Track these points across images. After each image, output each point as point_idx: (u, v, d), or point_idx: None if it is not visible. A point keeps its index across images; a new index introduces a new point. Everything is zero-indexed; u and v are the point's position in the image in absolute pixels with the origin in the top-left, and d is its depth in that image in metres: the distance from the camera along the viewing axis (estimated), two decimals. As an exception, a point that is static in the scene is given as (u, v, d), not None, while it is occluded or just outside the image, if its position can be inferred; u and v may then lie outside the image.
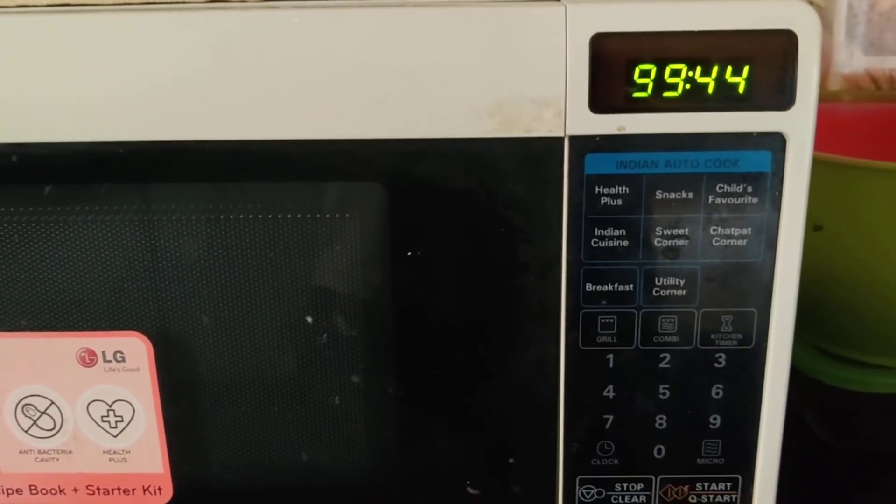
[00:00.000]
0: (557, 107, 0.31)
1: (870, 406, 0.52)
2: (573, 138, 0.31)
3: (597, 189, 0.32)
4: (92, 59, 0.31)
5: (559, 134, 0.31)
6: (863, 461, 0.52)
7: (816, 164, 0.39)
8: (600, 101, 0.31)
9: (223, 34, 0.31)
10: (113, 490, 0.36)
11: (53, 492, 0.37)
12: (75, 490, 0.36)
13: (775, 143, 0.31)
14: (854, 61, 0.65)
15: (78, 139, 0.32)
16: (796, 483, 0.49)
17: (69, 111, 0.31)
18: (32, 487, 0.37)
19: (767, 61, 0.31)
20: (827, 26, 0.64)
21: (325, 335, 0.34)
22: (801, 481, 0.50)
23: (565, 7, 0.30)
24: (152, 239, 0.33)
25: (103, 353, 0.34)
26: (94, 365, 0.35)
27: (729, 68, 0.31)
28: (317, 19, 0.31)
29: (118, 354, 0.34)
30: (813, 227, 0.49)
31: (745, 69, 0.31)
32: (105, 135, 0.32)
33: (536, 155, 0.32)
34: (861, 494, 0.50)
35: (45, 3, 0.33)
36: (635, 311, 0.33)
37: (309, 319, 0.34)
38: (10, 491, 0.37)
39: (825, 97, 0.64)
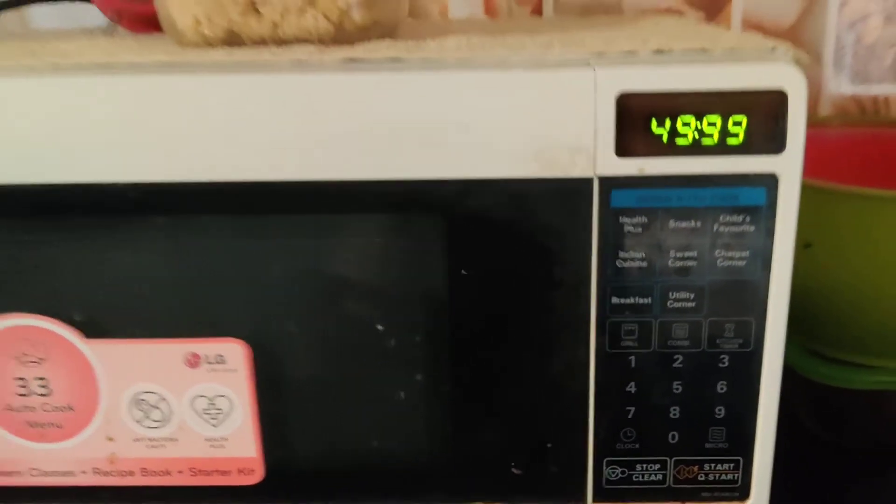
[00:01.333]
0: (589, 152, 0.38)
1: (852, 401, 0.59)
2: (602, 178, 0.38)
3: (621, 219, 0.38)
4: (197, 113, 0.38)
5: (590, 175, 0.38)
6: (847, 453, 0.59)
7: (807, 189, 0.45)
8: (624, 148, 0.38)
9: (308, 93, 0.37)
10: (212, 472, 0.43)
11: (161, 473, 0.43)
12: (180, 472, 0.43)
13: (769, 181, 0.38)
14: (842, 89, 0.71)
15: (188, 179, 0.38)
16: (789, 472, 0.56)
17: (182, 154, 0.38)
18: (144, 470, 0.43)
19: (762, 115, 0.37)
20: (817, 58, 0.70)
21: (393, 340, 0.41)
22: (792, 471, 0.56)
23: (595, 71, 0.37)
24: (254, 262, 0.40)
25: (206, 356, 0.41)
26: (198, 366, 0.41)
27: (730, 120, 0.37)
28: (390, 83, 0.37)
29: (219, 357, 0.41)
30: (803, 245, 0.55)
31: (744, 121, 0.37)
32: (211, 175, 0.38)
33: (571, 191, 0.38)
34: (845, 484, 0.57)
35: (155, 61, 0.39)
36: (653, 320, 0.40)
37: (380, 327, 0.41)
38: (124, 473, 0.43)
39: (816, 122, 0.71)
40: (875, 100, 0.71)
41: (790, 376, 0.55)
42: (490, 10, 0.69)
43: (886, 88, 0.71)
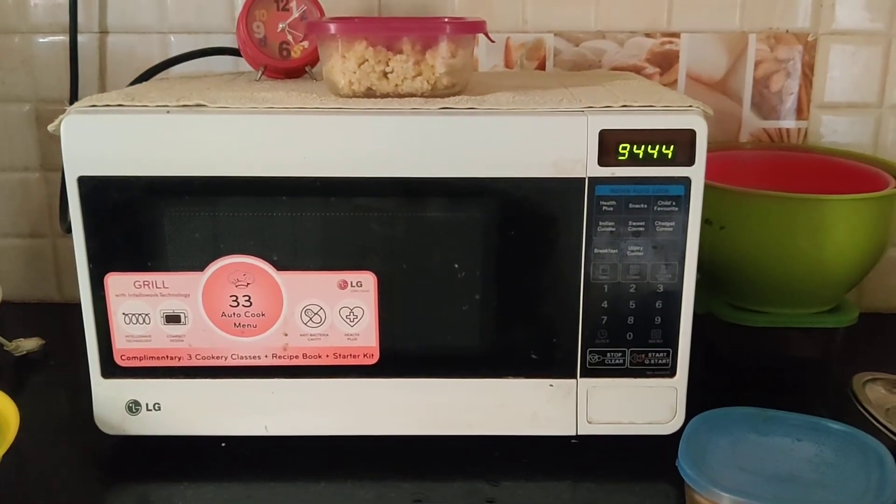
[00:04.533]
0: (583, 162, 0.65)
1: (752, 334, 0.86)
2: (590, 177, 0.65)
3: (600, 202, 0.65)
4: (355, 137, 0.64)
5: (583, 175, 0.65)
6: (745, 368, 0.87)
7: (724, 190, 0.73)
8: (602, 161, 0.64)
9: (420, 128, 0.64)
10: (347, 355, 0.69)
11: (315, 356, 0.69)
12: (328, 356, 0.69)
13: (685, 181, 0.65)
14: (756, 122, 0.99)
15: (346, 175, 0.65)
16: (706, 371, 0.82)
17: (343, 159, 0.65)
18: (305, 354, 0.69)
19: (681, 143, 0.64)
20: (739, 101, 0.98)
21: (462, 273, 0.67)
22: (707, 372, 0.83)
23: (587, 117, 0.64)
24: (381, 224, 0.66)
25: (350, 281, 0.68)
26: (346, 288, 0.68)
27: (663, 146, 0.64)
28: (470, 122, 0.64)
29: (358, 283, 0.68)
30: (720, 227, 0.82)
31: (672, 146, 0.64)
32: (362, 172, 0.65)
33: (572, 185, 0.65)
34: (738, 387, 0.83)
35: (331, 106, 0.66)
36: (618, 263, 0.67)
37: (456, 266, 0.67)
38: (292, 356, 0.69)
39: (737, 146, 0.99)
40: (779, 131, 0.99)
41: (713, 319, 0.83)
42: (509, 64, 0.97)
43: (787, 123, 0.99)
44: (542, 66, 0.95)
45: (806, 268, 0.81)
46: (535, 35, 0.95)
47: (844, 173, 0.91)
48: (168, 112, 0.64)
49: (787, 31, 0.94)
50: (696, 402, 0.70)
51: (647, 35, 0.94)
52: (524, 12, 0.94)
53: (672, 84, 0.95)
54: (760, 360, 0.87)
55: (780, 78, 0.96)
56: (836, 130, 0.97)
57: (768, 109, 0.97)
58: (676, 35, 0.94)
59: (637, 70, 0.95)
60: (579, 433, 0.70)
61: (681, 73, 0.95)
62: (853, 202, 0.79)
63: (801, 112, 0.97)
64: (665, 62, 0.95)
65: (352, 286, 0.67)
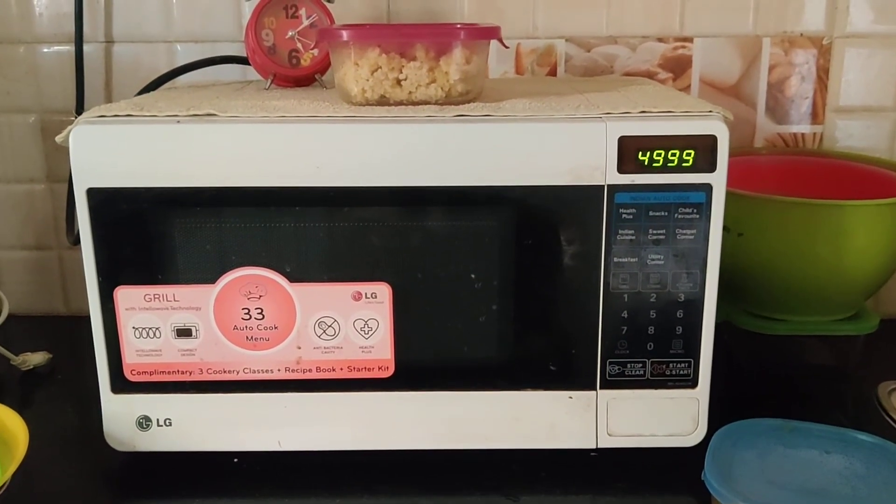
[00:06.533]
0: (602, 169, 0.63)
1: (770, 342, 0.85)
2: (609, 185, 0.64)
3: (620, 210, 0.64)
4: (369, 145, 0.63)
5: (602, 183, 0.63)
6: (765, 377, 0.85)
7: (742, 196, 0.71)
8: (622, 168, 0.63)
9: (434, 136, 0.63)
10: (362, 368, 0.68)
11: (329, 370, 0.68)
12: (342, 369, 0.68)
13: (707, 188, 0.64)
14: (770, 128, 0.98)
15: (361, 184, 0.64)
16: (726, 384, 0.81)
17: (357, 169, 0.64)
18: (318, 368, 0.68)
19: (703, 149, 0.63)
20: (753, 106, 0.97)
21: (479, 284, 0.66)
22: (728, 383, 0.82)
23: (606, 123, 0.63)
24: (397, 236, 0.65)
25: (365, 293, 0.66)
26: (360, 300, 0.67)
27: (684, 152, 0.63)
28: (486, 129, 0.63)
29: (373, 294, 0.66)
30: (738, 234, 0.81)
31: (692, 152, 0.63)
32: (374, 182, 0.64)
33: (591, 193, 0.64)
34: (758, 396, 0.82)
35: (344, 115, 0.65)
36: (638, 272, 0.66)
37: (472, 276, 0.66)
38: (306, 370, 0.68)
39: (752, 151, 0.97)
40: (794, 135, 0.98)
41: (731, 328, 0.81)
42: (519, 70, 0.95)
43: (802, 128, 0.97)
44: (553, 72, 0.94)
45: (825, 274, 0.80)
46: (546, 41, 0.94)
47: (861, 178, 0.90)
48: (178, 122, 0.63)
49: (802, 34, 0.93)
50: (716, 412, 0.68)
51: (660, 40, 0.93)
52: (535, 18, 0.93)
53: (685, 89, 0.94)
54: (780, 369, 0.86)
55: (794, 82, 0.95)
56: (851, 135, 0.96)
57: (783, 114, 0.96)
58: (689, 39, 0.93)
59: (650, 75, 0.94)
60: (599, 446, 0.69)
61: (694, 77, 0.94)
62: (873, 207, 0.78)
63: (816, 116, 0.95)
64: (678, 67, 0.94)
65: (366, 297, 0.66)
